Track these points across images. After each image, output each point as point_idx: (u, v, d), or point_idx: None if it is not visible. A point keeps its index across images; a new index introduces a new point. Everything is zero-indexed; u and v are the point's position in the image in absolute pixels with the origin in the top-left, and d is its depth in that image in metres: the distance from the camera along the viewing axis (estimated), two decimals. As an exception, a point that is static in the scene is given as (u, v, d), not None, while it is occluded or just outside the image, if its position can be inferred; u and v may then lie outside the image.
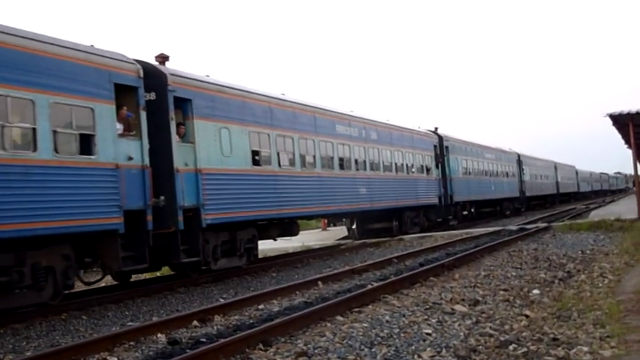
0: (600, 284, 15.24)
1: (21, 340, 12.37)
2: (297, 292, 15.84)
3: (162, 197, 17.56)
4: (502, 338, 10.16)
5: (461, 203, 43.57)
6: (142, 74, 17.48)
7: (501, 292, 14.65)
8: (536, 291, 14.80)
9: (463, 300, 13.65)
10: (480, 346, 9.75)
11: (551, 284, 15.78)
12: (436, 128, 42.44)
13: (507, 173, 56.08)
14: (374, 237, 32.95)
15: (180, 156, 18.49)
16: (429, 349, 9.73)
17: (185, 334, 11.58)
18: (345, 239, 36.40)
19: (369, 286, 15.14)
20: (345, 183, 28.51)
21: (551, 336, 10.17)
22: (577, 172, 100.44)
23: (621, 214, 33.44)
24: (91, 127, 15.62)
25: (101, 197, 15.69)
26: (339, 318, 11.99)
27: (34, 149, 14.12)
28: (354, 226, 35.50)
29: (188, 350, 9.80)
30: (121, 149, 16.44)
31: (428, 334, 10.70)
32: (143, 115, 17.42)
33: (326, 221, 47.94)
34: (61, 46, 15.40)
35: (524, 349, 9.42)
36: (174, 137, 18.43)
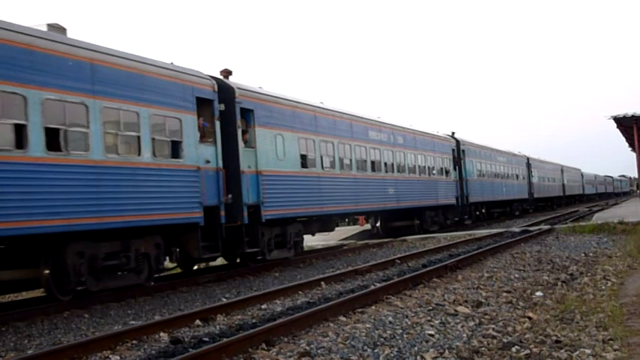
0: (603, 287, 15.22)
1: (22, 338, 12.37)
2: (300, 292, 15.83)
3: (230, 195, 20.31)
4: (505, 340, 10.16)
5: (475, 204, 46.17)
6: (216, 88, 20.40)
7: (504, 294, 14.64)
8: (539, 293, 14.79)
9: (466, 301, 13.64)
10: (483, 348, 9.74)
11: (554, 286, 15.76)
12: (453, 133, 44.75)
13: (517, 176, 58.64)
14: (397, 234, 35.44)
15: (244, 159, 21.26)
16: (431, 350, 9.72)
17: (188, 334, 11.57)
18: (350, 239, 36.59)
19: (372, 287, 15.15)
20: (376, 184, 31.17)
21: (554, 338, 10.16)
22: (582, 175, 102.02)
23: (625, 217, 33.41)
24: (179, 135, 18.50)
25: (187, 195, 18.56)
26: (342, 318, 11.98)
27: (139, 153, 17.02)
28: (377, 224, 37.69)
29: (191, 349, 9.81)
30: (201, 153, 19.28)
31: (431, 335, 10.70)
32: (217, 124, 20.28)
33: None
34: (157, 66, 18.28)
35: (527, 351, 9.41)
36: (241, 143, 21.20)
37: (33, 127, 14.15)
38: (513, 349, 9.54)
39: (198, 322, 12.49)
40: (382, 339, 10.42)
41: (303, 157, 24.95)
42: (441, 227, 39.31)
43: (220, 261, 24.03)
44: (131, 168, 16.70)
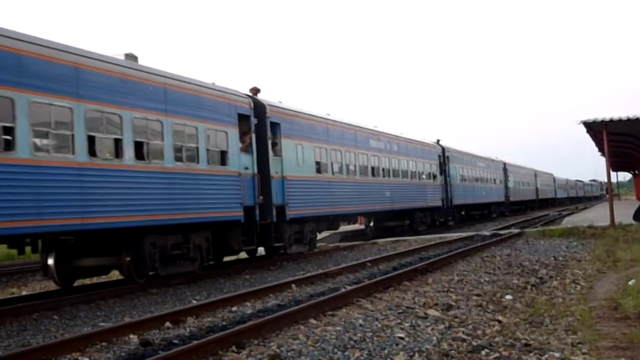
0: (572, 291, 15.35)
1: (-9, 339, 12.25)
2: (271, 295, 15.80)
3: (261, 197, 23.41)
4: (475, 343, 10.21)
5: (458, 206, 49.74)
6: (252, 106, 23.66)
7: (474, 298, 14.71)
8: (508, 296, 14.87)
9: (436, 305, 13.69)
10: (453, 351, 9.78)
11: (524, 290, 15.87)
12: (438, 140, 48.15)
13: (495, 180, 62.03)
14: (389, 234, 38.69)
15: (273, 166, 24.51)
16: (401, 353, 9.75)
17: (158, 336, 11.51)
18: (327, 238, 36.83)
19: (343, 290, 15.16)
20: (376, 187, 34.57)
21: (524, 341, 10.23)
22: (554, 180, 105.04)
23: (594, 221, 33.67)
24: (225, 146, 21.74)
25: (232, 196, 21.88)
26: (313, 321, 11.98)
27: (198, 162, 20.26)
28: (371, 224, 40.45)
29: (161, 352, 9.76)
30: (241, 161, 22.59)
31: (401, 338, 10.73)
32: (253, 136, 23.55)
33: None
34: (209, 88, 21.76)
35: (497, 355, 9.46)
36: (270, 152, 24.41)
37: (126, 141, 17.46)
38: (483, 353, 9.59)
39: (168, 324, 12.44)
40: (352, 342, 10.44)
41: (318, 164, 28.42)
42: (428, 227, 42.33)
43: (239, 255, 25.96)
44: (192, 174, 19.98)
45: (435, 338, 10.73)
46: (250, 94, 24.53)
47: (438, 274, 18.48)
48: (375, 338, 10.71)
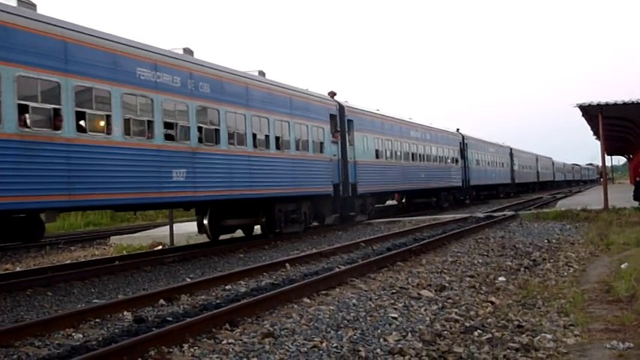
0: (565, 273, 15.40)
1: (-15, 314, 12.25)
2: (265, 274, 15.84)
3: (341, 177, 30.64)
4: (467, 324, 10.25)
5: (474, 187, 56.94)
6: (337, 107, 31.56)
7: (467, 279, 14.76)
8: (502, 278, 14.92)
9: (429, 285, 13.73)
10: (445, 332, 9.82)
11: (517, 272, 15.92)
12: (458, 129, 55.37)
13: (503, 164, 68.94)
14: (419, 209, 45.05)
15: (349, 153, 31.98)
16: (394, 333, 9.79)
17: (151, 313, 11.54)
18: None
19: (337, 269, 15.18)
20: (415, 170, 42.06)
21: (516, 323, 10.28)
22: (553, 163, 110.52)
23: (587, 205, 33.69)
24: (323, 138, 29.53)
25: (326, 176, 29.35)
26: (306, 300, 12.02)
27: (308, 150, 27.80)
28: (403, 200, 47.01)
29: (154, 328, 9.77)
30: (332, 150, 30.29)
31: (394, 318, 10.77)
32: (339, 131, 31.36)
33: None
34: (313, 95, 29.48)
35: (489, 335, 9.50)
36: (347, 142, 32.01)
37: (271, 136, 24.85)
38: (475, 333, 9.63)
39: (162, 301, 12.47)
40: (346, 321, 10.48)
41: (377, 151, 35.90)
42: (451, 204, 49.21)
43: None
44: (305, 159, 27.34)
45: (428, 319, 10.78)
46: (335, 99, 31.89)
47: (432, 255, 18.52)
48: (368, 318, 10.75)
